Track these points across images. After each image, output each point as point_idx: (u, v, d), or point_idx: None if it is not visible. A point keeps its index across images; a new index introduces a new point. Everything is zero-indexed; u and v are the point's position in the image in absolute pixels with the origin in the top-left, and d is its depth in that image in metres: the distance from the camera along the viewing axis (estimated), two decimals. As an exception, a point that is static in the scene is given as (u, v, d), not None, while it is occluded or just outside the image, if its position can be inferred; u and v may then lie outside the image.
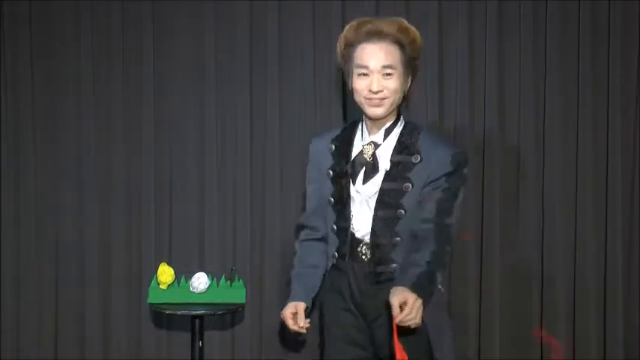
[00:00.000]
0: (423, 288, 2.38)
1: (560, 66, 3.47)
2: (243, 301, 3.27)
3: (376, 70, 2.50)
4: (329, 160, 2.64)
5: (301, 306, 2.61)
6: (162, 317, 3.48)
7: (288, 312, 2.61)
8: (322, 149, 2.68)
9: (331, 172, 2.63)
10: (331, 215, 2.64)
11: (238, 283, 3.33)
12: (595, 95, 3.47)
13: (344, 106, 3.48)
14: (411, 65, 2.55)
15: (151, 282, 3.33)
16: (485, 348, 3.50)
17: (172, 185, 3.53)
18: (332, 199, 2.63)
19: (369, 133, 2.60)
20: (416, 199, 2.52)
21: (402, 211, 2.51)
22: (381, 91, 2.51)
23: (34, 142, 3.52)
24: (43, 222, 3.53)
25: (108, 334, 3.54)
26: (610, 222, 3.48)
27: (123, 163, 3.52)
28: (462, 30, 3.47)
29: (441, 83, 3.49)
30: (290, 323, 2.60)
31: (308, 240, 2.74)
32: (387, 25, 2.53)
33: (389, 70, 2.51)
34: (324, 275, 2.68)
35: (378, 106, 2.53)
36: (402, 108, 2.61)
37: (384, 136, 2.57)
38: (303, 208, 2.79)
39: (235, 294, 3.26)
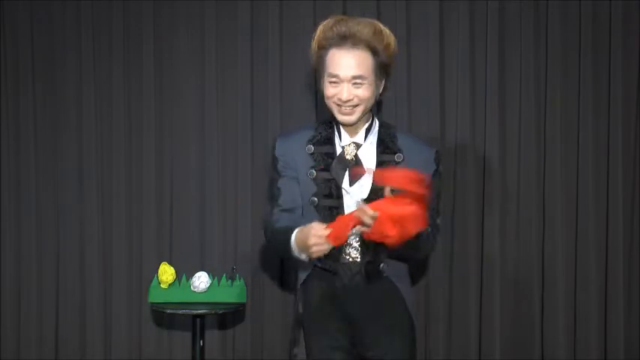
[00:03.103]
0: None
1: (561, 67, 3.47)
2: (244, 300, 3.27)
3: (346, 80, 2.47)
4: (307, 161, 2.57)
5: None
6: (163, 316, 3.49)
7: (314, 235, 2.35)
8: (295, 150, 2.59)
9: (314, 172, 2.56)
10: (312, 216, 2.54)
11: (239, 283, 3.33)
12: (596, 95, 3.47)
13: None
14: (384, 71, 2.51)
15: (151, 281, 3.33)
16: (486, 348, 3.50)
17: (173, 184, 3.54)
18: (316, 199, 2.55)
19: (349, 134, 2.58)
20: None
21: None
22: (351, 99, 2.48)
23: (34, 142, 3.53)
24: (44, 221, 3.54)
25: (109, 333, 3.54)
26: (611, 222, 3.48)
27: (123, 162, 3.53)
28: (463, 30, 3.47)
29: (442, 84, 3.49)
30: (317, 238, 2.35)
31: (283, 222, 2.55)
32: (361, 29, 2.47)
33: (359, 80, 2.47)
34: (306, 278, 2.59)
35: (350, 114, 2.51)
36: (374, 109, 2.61)
37: (365, 136, 2.57)
38: (271, 203, 2.60)
39: (236, 293, 3.26)
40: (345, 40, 2.47)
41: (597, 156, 3.48)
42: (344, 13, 3.46)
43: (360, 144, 2.56)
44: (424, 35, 3.49)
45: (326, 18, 3.35)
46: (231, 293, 3.26)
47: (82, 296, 3.54)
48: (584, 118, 3.48)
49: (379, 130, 2.59)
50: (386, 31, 2.50)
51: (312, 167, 2.56)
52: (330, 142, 2.58)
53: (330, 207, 2.54)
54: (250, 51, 3.50)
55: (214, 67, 3.50)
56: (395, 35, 2.59)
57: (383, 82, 2.54)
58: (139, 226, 3.53)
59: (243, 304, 3.27)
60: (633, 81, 3.48)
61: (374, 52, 2.47)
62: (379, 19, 3.44)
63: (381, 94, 2.57)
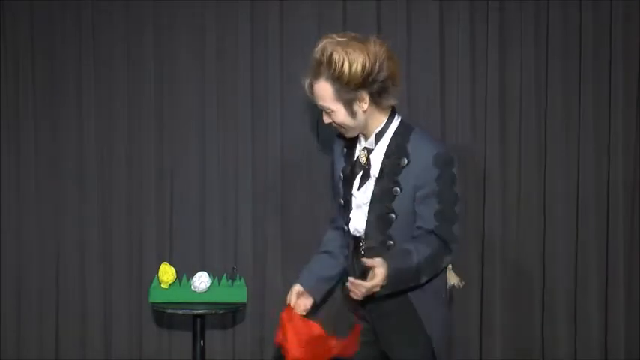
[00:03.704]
0: (397, 279, 2.44)
1: (561, 66, 3.47)
2: (244, 300, 3.27)
3: (320, 107, 2.56)
4: (342, 163, 2.70)
5: (295, 288, 2.69)
6: (164, 316, 3.49)
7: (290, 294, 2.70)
8: (339, 150, 2.72)
9: (342, 174, 2.68)
10: (342, 216, 2.70)
11: (239, 282, 3.33)
12: (597, 95, 3.47)
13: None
14: (352, 93, 2.49)
15: (152, 281, 3.33)
16: (487, 349, 3.50)
17: (173, 184, 3.54)
18: (342, 202, 2.68)
19: (364, 139, 2.62)
20: (408, 203, 2.53)
21: (393, 215, 2.54)
22: (330, 123, 2.57)
23: (35, 141, 3.52)
24: (44, 221, 3.54)
25: (109, 333, 3.54)
26: (611, 222, 3.48)
27: (124, 162, 3.52)
28: (463, 30, 3.47)
29: (442, 84, 3.49)
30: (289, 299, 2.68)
31: (331, 230, 2.82)
32: (318, 60, 2.49)
33: (327, 110, 2.54)
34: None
35: (342, 133, 2.61)
36: (396, 106, 2.61)
37: (375, 141, 2.59)
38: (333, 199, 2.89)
39: (236, 293, 3.27)
40: (311, 69, 2.53)
41: (598, 155, 3.48)
42: (344, 12, 3.46)
43: (371, 149, 2.60)
44: (424, 35, 3.49)
45: (326, 18, 3.45)
46: (232, 293, 3.26)
47: (82, 296, 3.54)
48: (585, 118, 3.48)
49: (394, 133, 2.59)
50: (337, 59, 2.46)
51: (342, 169, 2.68)
52: (355, 146, 2.67)
53: (344, 209, 2.66)
54: (251, 51, 3.49)
55: (214, 67, 3.50)
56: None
57: (364, 95, 2.50)
58: (139, 226, 3.53)
59: (243, 304, 3.27)
60: (634, 80, 3.48)
61: (331, 80, 2.49)
62: (379, 18, 3.47)
63: (378, 103, 2.53)
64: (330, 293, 2.83)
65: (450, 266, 2.65)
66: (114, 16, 3.49)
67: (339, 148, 2.72)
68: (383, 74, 2.48)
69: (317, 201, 3.48)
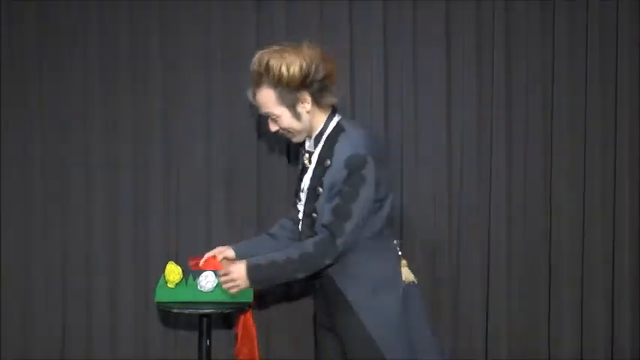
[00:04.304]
0: (258, 274, 2.61)
1: (568, 65, 3.48)
2: (251, 299, 3.26)
3: (265, 114, 2.64)
4: (300, 166, 2.79)
5: (227, 251, 2.90)
6: (170, 316, 3.50)
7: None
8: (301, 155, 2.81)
9: (298, 177, 2.77)
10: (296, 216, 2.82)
11: (245, 282, 3.33)
12: (603, 93, 3.48)
13: None
14: (294, 95, 2.58)
15: (158, 281, 3.33)
16: (493, 349, 3.51)
17: (179, 183, 3.55)
18: (297, 200, 2.77)
19: (307, 142, 2.70)
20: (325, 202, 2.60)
21: (315, 215, 2.62)
22: (277, 129, 2.65)
23: (41, 140, 3.53)
24: (50, 221, 3.55)
25: (115, 332, 3.55)
26: (618, 219, 3.48)
27: (130, 162, 3.54)
28: (469, 30, 3.48)
29: (448, 83, 3.50)
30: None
31: (286, 218, 2.93)
32: (256, 70, 2.60)
33: (271, 116, 2.63)
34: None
35: (290, 138, 2.69)
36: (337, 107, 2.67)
37: (315, 143, 2.66)
38: None
39: (242, 293, 3.24)
40: (252, 79, 2.64)
41: (604, 154, 3.49)
42: (350, 12, 3.47)
43: (312, 152, 2.68)
44: (430, 34, 3.49)
45: (332, 18, 3.46)
46: (238, 292, 3.26)
47: (88, 296, 3.55)
48: (592, 117, 3.48)
49: (329, 134, 2.64)
50: (272, 63, 2.56)
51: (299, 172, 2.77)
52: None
53: (297, 210, 2.76)
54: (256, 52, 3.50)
55: (220, 67, 3.51)
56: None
57: (306, 96, 2.59)
58: (145, 226, 3.54)
59: (249, 304, 3.27)
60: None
61: (272, 86, 2.58)
62: (385, 18, 3.47)
63: (320, 103, 2.60)
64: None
65: (404, 262, 2.70)
66: (119, 17, 3.50)
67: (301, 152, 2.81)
68: (320, 74, 2.58)
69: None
